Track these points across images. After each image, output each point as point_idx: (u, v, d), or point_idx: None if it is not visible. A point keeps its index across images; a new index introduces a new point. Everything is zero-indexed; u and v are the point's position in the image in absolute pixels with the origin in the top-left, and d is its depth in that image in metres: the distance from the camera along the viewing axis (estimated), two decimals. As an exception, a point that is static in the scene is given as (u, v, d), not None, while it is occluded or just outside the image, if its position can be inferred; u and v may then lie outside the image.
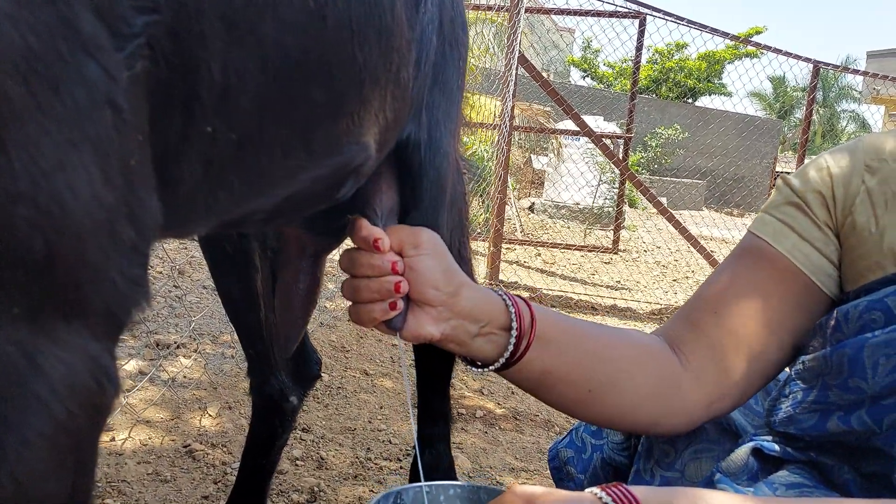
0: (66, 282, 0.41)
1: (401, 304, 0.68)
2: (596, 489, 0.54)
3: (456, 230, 1.02)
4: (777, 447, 0.71)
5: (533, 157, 9.70)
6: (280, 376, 1.20)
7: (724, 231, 7.02)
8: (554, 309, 3.75)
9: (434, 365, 1.09)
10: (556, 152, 8.29)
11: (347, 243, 0.76)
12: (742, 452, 0.72)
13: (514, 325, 0.70)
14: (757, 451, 0.72)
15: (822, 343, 0.70)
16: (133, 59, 0.44)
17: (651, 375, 0.73)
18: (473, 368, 0.74)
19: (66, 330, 0.41)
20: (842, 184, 0.73)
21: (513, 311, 0.71)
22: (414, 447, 1.18)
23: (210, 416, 1.87)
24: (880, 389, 0.62)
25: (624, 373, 0.73)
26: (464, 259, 1.08)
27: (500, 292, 0.73)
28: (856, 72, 5.75)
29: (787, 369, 0.77)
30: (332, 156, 0.72)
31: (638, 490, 0.54)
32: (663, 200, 5.77)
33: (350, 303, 0.72)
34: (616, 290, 4.65)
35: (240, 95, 0.55)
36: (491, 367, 0.72)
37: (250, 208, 0.69)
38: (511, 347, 0.70)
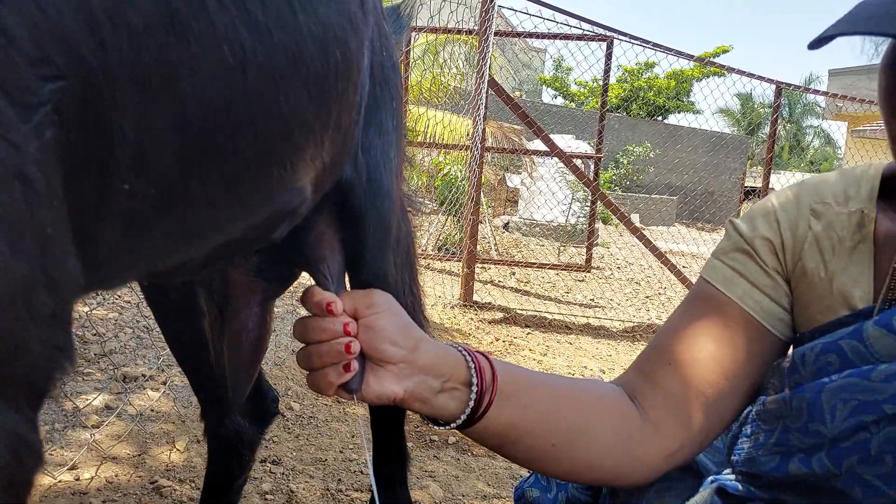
0: None
1: (355, 365, 0.67)
2: None
3: (405, 268, 1.01)
4: (740, 486, 0.72)
5: (507, 175, 9.78)
6: (235, 418, 1.18)
7: (693, 247, 7.13)
8: (527, 330, 3.75)
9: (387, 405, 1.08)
10: (528, 171, 8.37)
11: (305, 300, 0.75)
12: (706, 493, 0.72)
13: (475, 379, 0.70)
14: (721, 490, 0.73)
15: (780, 383, 0.71)
16: (41, 128, 0.43)
17: (612, 427, 0.73)
18: (437, 427, 0.73)
19: None
20: (789, 229, 0.74)
21: (472, 366, 0.70)
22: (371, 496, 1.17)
23: (178, 450, 1.84)
24: (839, 433, 0.63)
25: (586, 424, 0.73)
26: (415, 296, 1.08)
27: (459, 348, 0.73)
28: (816, 92, 5.92)
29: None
30: (265, 204, 0.70)
31: None
32: (635, 217, 5.85)
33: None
34: (590, 307, 4.69)
35: (157, 152, 0.53)
36: (453, 425, 0.71)
37: (180, 259, 0.67)
38: (472, 403, 0.69)
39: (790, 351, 0.75)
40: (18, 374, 0.42)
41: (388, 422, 1.10)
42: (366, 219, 0.86)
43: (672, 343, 0.76)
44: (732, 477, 0.75)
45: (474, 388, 0.70)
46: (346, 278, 0.89)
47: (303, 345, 0.70)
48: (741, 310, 0.74)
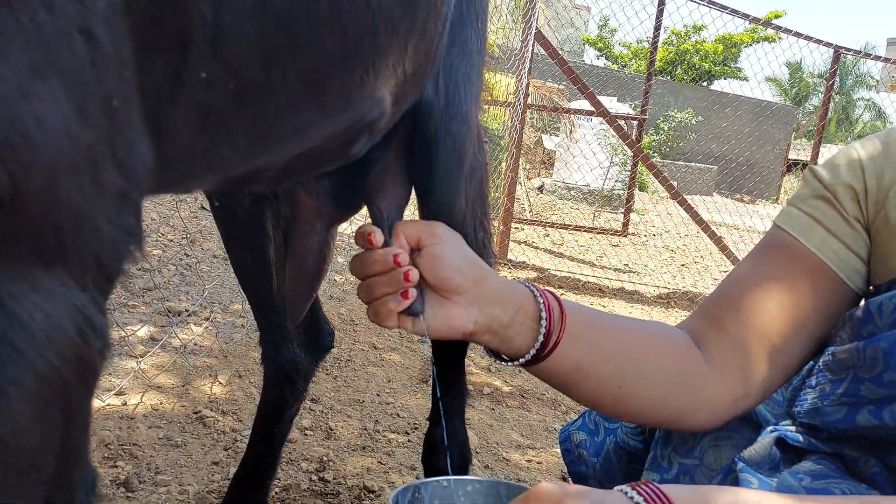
0: (42, 224, 0.37)
1: (413, 292, 0.67)
2: (626, 487, 0.52)
3: (476, 201, 0.98)
4: (801, 438, 0.70)
5: (544, 136, 9.63)
6: (292, 346, 1.19)
7: (734, 217, 6.97)
8: (560, 291, 3.73)
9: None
10: (567, 132, 8.22)
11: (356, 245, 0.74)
12: (766, 442, 0.71)
13: (544, 314, 0.69)
14: (780, 441, 0.71)
15: (850, 335, 0.68)
16: None
17: (677, 368, 0.72)
18: (502, 362, 0.73)
19: (47, 277, 0.38)
20: (875, 177, 0.70)
21: (541, 300, 0.69)
22: (427, 420, 1.18)
23: (220, 383, 1.89)
24: None
25: (652, 366, 0.72)
26: (485, 231, 1.05)
27: (526, 283, 0.72)
28: (877, 58, 5.65)
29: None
30: (346, 110, 0.68)
31: (670, 489, 0.52)
32: (673, 185, 5.73)
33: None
34: (624, 273, 4.64)
35: (236, 39, 0.51)
36: (520, 361, 0.71)
37: (258, 165, 0.65)
38: (541, 339, 0.69)
39: (861, 302, 0.73)
40: (85, 250, 0.41)
41: (450, 354, 1.10)
42: (440, 144, 0.83)
43: (741, 290, 0.74)
44: (793, 428, 0.74)
45: (543, 324, 0.69)
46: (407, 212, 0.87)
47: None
48: (817, 259, 0.72)
